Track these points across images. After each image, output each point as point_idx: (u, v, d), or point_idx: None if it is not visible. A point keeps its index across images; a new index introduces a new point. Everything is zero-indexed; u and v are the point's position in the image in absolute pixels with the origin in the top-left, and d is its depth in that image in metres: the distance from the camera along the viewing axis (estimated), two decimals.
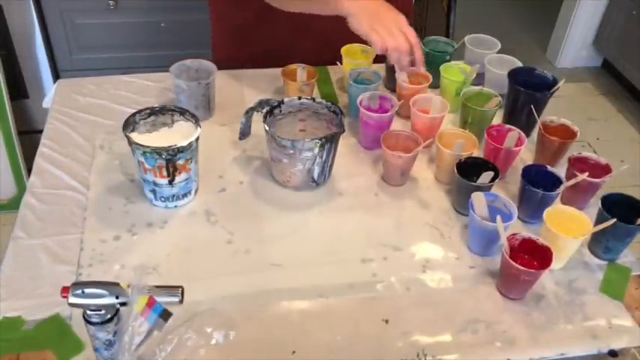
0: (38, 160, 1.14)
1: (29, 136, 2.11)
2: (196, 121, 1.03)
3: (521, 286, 0.93)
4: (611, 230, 0.97)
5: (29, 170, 1.60)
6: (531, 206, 1.05)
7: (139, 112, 1.04)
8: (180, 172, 1.01)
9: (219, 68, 1.26)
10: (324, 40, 1.22)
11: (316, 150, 1.04)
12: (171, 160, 0.98)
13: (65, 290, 0.71)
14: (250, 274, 0.96)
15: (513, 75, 1.25)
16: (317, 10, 1.15)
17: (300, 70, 1.28)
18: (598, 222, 0.98)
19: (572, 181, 1.03)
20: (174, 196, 1.04)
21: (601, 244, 1.01)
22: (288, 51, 1.34)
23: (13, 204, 2.12)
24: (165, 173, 1.00)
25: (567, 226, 0.97)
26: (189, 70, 1.25)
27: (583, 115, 3.01)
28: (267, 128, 1.05)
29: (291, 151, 1.04)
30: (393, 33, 1.07)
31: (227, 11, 1.38)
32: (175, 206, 1.06)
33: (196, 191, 1.08)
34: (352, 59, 1.34)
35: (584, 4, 3.18)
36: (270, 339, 0.87)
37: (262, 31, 1.34)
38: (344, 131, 1.06)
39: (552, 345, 0.89)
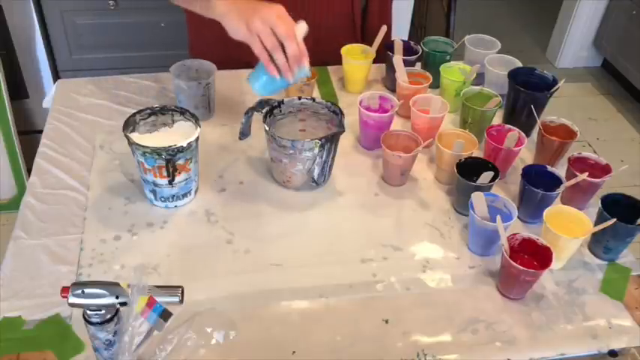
0: (38, 160, 1.14)
1: (29, 136, 2.11)
2: (196, 121, 1.04)
3: (521, 286, 0.93)
4: (611, 230, 0.97)
5: (29, 170, 1.60)
6: (531, 206, 1.05)
7: (139, 112, 1.04)
8: (180, 172, 1.01)
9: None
10: (314, 41, 1.20)
11: (316, 150, 1.04)
12: (171, 160, 0.98)
13: (65, 290, 0.71)
14: (250, 274, 0.96)
15: (513, 75, 1.25)
16: (198, 9, 1.05)
17: None
18: (598, 222, 0.98)
19: (572, 181, 1.03)
20: (174, 196, 1.04)
21: (601, 244, 1.01)
22: None
23: (13, 204, 2.12)
24: (165, 173, 1.00)
25: (567, 226, 0.97)
26: (189, 70, 1.25)
27: (583, 115, 3.01)
28: (267, 128, 1.05)
29: (291, 151, 1.04)
30: (271, 25, 0.95)
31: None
32: (175, 206, 1.06)
33: (196, 191, 1.08)
34: (352, 59, 1.34)
35: (584, 4, 3.18)
36: (270, 339, 0.87)
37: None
38: (344, 131, 1.06)
39: (552, 345, 0.89)
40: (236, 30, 0.98)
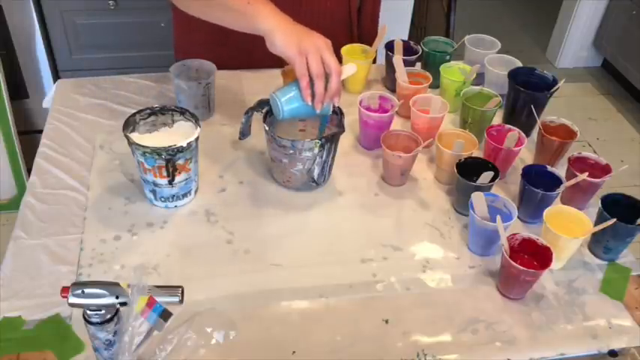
0: (38, 160, 1.14)
1: (29, 136, 2.11)
2: (196, 121, 1.04)
3: (521, 286, 0.93)
4: (611, 230, 0.97)
5: (29, 170, 1.60)
6: (531, 206, 1.05)
7: (139, 112, 1.04)
8: (180, 172, 1.01)
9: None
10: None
11: (316, 150, 1.04)
12: (171, 160, 0.98)
13: (65, 290, 0.71)
14: (250, 274, 0.96)
15: (513, 75, 1.25)
16: (231, 23, 1.06)
17: None
18: (598, 222, 0.98)
19: (572, 181, 1.03)
20: (174, 196, 1.04)
21: (601, 244, 1.01)
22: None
23: (13, 204, 2.12)
24: (165, 173, 1.00)
25: (567, 226, 0.97)
26: (189, 70, 1.25)
27: (583, 115, 3.01)
28: (267, 128, 1.05)
29: (291, 151, 1.04)
30: (322, 54, 0.98)
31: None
32: (175, 206, 1.06)
33: (196, 191, 1.08)
34: (352, 59, 1.34)
35: (584, 4, 3.18)
36: (270, 339, 0.87)
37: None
38: (344, 131, 1.06)
39: (552, 345, 0.89)
40: (284, 45, 0.97)
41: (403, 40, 1.35)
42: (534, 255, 0.94)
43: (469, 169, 1.05)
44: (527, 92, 1.21)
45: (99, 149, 1.17)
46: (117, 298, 0.72)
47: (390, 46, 1.35)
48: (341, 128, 1.06)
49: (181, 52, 1.39)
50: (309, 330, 0.88)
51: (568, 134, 1.16)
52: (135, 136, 1.00)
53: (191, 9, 1.11)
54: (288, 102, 1.01)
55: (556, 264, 0.99)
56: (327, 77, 0.99)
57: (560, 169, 1.08)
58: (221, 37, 1.26)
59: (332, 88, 0.99)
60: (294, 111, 1.02)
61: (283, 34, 0.98)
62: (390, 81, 1.39)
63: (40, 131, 1.22)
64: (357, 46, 1.37)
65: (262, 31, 0.99)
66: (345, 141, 1.21)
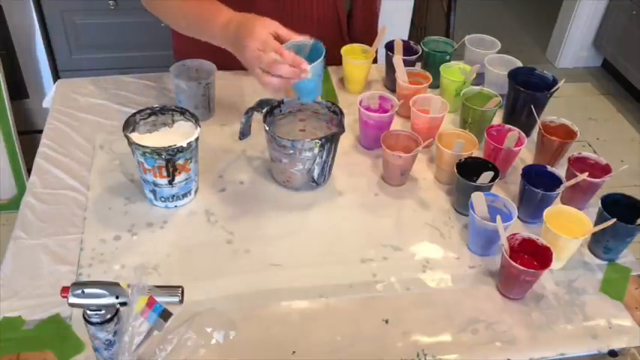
0: (38, 160, 1.14)
1: (29, 136, 2.11)
2: (196, 121, 1.04)
3: (521, 286, 0.93)
4: (611, 230, 0.97)
5: (29, 170, 1.60)
6: (531, 206, 1.05)
7: (139, 112, 1.04)
8: (180, 172, 1.01)
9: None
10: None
11: (316, 150, 1.04)
12: (171, 160, 0.98)
13: (65, 290, 0.71)
14: (250, 274, 0.96)
15: (513, 75, 1.25)
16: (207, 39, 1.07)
17: None
18: (598, 222, 0.98)
19: (572, 181, 1.03)
20: (174, 196, 1.04)
21: (601, 244, 1.01)
22: None
23: (13, 204, 2.12)
24: (165, 173, 1.00)
25: (567, 226, 0.97)
26: (189, 70, 1.25)
27: (583, 115, 3.01)
28: (267, 128, 1.05)
29: (291, 151, 1.04)
30: (264, 67, 0.94)
31: None
32: (175, 206, 1.06)
33: (196, 191, 1.08)
34: (352, 59, 1.34)
35: (584, 4, 3.18)
36: (270, 339, 0.87)
37: None
38: (344, 131, 1.06)
39: (552, 345, 0.89)
40: (246, 64, 0.98)
41: (403, 40, 1.35)
42: (534, 255, 0.94)
43: (469, 169, 1.05)
44: (527, 92, 1.21)
45: (99, 149, 1.17)
46: (117, 298, 0.72)
47: (390, 46, 1.35)
48: (341, 128, 1.06)
49: (180, 53, 1.38)
50: (309, 330, 0.88)
51: (568, 134, 1.16)
52: (135, 136, 1.00)
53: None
54: (297, 92, 1.03)
55: (556, 264, 0.99)
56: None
57: (560, 169, 1.08)
58: None
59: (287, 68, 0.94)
60: (306, 91, 1.02)
61: (235, 55, 0.99)
62: (390, 81, 1.39)
63: (40, 131, 1.22)
64: (356, 46, 1.37)
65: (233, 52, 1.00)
66: (345, 141, 1.21)
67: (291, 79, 0.95)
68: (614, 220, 0.95)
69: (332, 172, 1.13)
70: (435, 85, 1.33)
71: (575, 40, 3.32)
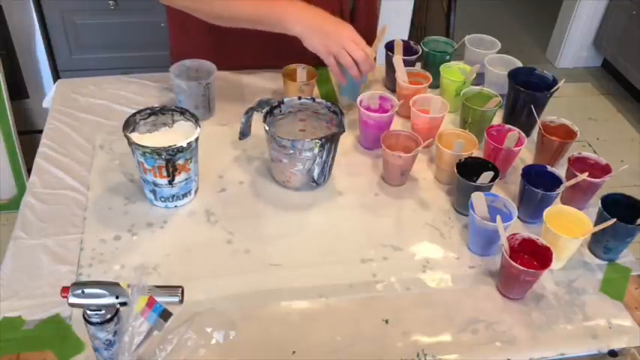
0: (38, 160, 1.14)
1: (29, 136, 2.11)
2: (196, 121, 1.04)
3: (521, 286, 0.93)
4: (611, 230, 0.97)
5: (29, 170, 1.60)
6: (531, 206, 1.05)
7: (139, 112, 1.04)
8: (179, 172, 1.01)
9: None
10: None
11: (316, 150, 1.04)
12: (171, 160, 0.98)
13: (65, 290, 0.71)
14: (250, 274, 0.96)
15: (513, 75, 1.25)
16: (263, 28, 1.16)
17: (300, 70, 1.28)
18: (598, 222, 0.98)
19: (572, 181, 1.03)
20: (174, 196, 1.04)
21: (601, 244, 1.01)
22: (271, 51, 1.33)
23: (13, 204, 2.12)
24: (165, 173, 1.00)
25: (567, 226, 0.97)
26: (189, 70, 1.25)
27: (583, 115, 3.01)
28: (267, 128, 1.05)
29: (291, 151, 1.04)
30: (346, 48, 1.13)
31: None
32: (175, 206, 1.06)
33: (196, 191, 1.08)
34: None
35: (584, 4, 3.18)
36: (270, 339, 0.87)
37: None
38: (344, 131, 1.06)
39: (552, 345, 0.89)
40: (314, 48, 1.14)
41: (403, 40, 1.35)
42: (534, 255, 0.94)
43: (469, 169, 1.05)
44: (527, 92, 1.21)
45: (99, 149, 1.17)
46: (117, 298, 0.72)
47: (390, 46, 1.35)
48: (341, 128, 1.06)
49: (177, 53, 1.38)
50: (309, 330, 0.88)
51: (568, 134, 1.16)
52: (135, 136, 1.00)
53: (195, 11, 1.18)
54: (343, 91, 1.27)
55: (556, 264, 0.99)
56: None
57: (560, 169, 1.08)
58: (218, 37, 1.27)
59: (364, 70, 1.17)
60: (348, 92, 1.27)
61: (310, 39, 1.13)
62: (390, 81, 1.39)
63: (40, 131, 1.22)
64: None
65: (295, 33, 1.13)
66: (345, 141, 1.21)
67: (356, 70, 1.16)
68: (614, 220, 0.95)
69: (332, 172, 1.13)
70: (435, 85, 1.33)
71: (575, 40, 3.32)
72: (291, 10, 1.13)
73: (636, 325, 0.92)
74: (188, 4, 1.17)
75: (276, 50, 1.26)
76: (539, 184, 1.02)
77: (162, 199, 1.04)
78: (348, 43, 1.14)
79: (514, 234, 0.94)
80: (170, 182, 1.01)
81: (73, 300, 0.71)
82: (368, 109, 1.20)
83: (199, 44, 1.34)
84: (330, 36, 1.13)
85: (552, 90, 1.22)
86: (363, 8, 1.40)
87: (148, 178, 1.01)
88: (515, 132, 1.13)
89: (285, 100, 1.12)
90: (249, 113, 1.13)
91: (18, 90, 2.11)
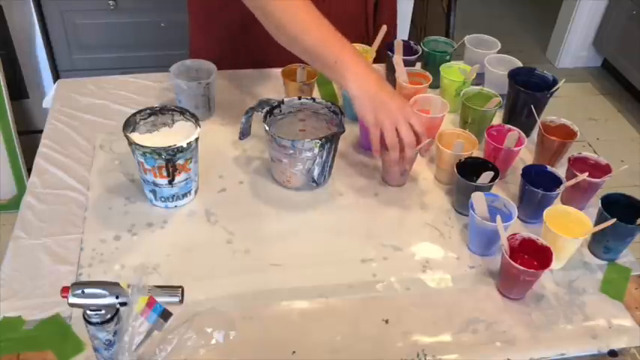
0: (38, 160, 1.14)
1: (29, 136, 2.11)
2: (196, 121, 1.04)
3: (521, 286, 0.93)
4: (611, 230, 0.97)
5: (29, 170, 1.60)
6: (531, 206, 1.05)
7: (139, 112, 1.04)
8: (180, 172, 1.01)
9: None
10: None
11: (316, 150, 1.04)
12: (171, 160, 0.98)
13: (65, 290, 0.71)
14: (250, 274, 0.96)
15: (513, 75, 1.25)
16: (317, 69, 1.13)
17: (300, 70, 1.28)
18: (598, 222, 0.98)
19: (572, 181, 1.03)
20: (174, 196, 1.04)
21: (601, 244, 1.01)
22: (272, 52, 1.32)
23: (13, 204, 2.12)
24: (165, 173, 1.00)
25: (567, 226, 0.97)
26: (189, 70, 1.25)
27: (583, 115, 3.01)
28: (267, 128, 1.05)
29: (291, 151, 1.04)
30: (398, 126, 1.02)
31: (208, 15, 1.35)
32: (175, 206, 1.06)
33: (196, 191, 1.08)
34: None
35: (584, 4, 3.18)
36: (270, 339, 0.87)
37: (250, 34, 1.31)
38: (344, 131, 1.06)
39: (552, 345, 0.89)
40: (361, 115, 1.04)
41: (403, 40, 1.35)
42: (534, 255, 0.94)
43: (469, 169, 1.05)
44: (527, 92, 1.21)
45: (99, 149, 1.17)
46: (117, 298, 0.72)
47: (390, 46, 1.35)
48: (341, 128, 1.06)
49: (197, 54, 1.39)
50: (309, 330, 0.88)
51: (568, 134, 1.16)
52: (135, 136, 1.00)
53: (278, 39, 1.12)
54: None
55: (556, 264, 0.99)
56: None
57: (560, 169, 1.08)
58: (237, 34, 1.26)
59: (405, 157, 1.05)
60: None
61: (361, 104, 1.03)
62: (390, 81, 1.39)
63: (40, 131, 1.22)
64: (356, 47, 1.37)
65: (347, 91, 1.04)
66: (345, 141, 1.21)
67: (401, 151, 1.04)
68: (614, 220, 0.95)
69: (332, 172, 1.13)
70: (435, 85, 1.33)
71: (575, 40, 3.32)
72: (351, 63, 1.03)
73: (636, 325, 0.92)
74: (260, 13, 1.08)
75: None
76: (539, 184, 1.02)
77: (163, 199, 1.04)
78: (402, 123, 1.02)
79: (514, 234, 0.94)
80: (170, 182, 1.01)
81: (73, 300, 0.71)
82: None
83: (218, 45, 1.34)
84: (384, 107, 1.02)
85: (552, 90, 1.22)
86: (386, 8, 1.40)
87: (148, 178, 1.01)
88: (515, 132, 1.13)
89: (285, 100, 1.12)
90: (249, 113, 1.13)
91: (18, 90, 2.11)
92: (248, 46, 1.34)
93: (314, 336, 0.87)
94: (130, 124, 1.02)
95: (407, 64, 1.30)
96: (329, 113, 1.12)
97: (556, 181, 1.05)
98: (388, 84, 1.06)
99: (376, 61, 1.36)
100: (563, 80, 1.22)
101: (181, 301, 0.75)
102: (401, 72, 1.27)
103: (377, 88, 1.03)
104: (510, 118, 1.26)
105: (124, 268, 0.95)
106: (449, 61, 1.37)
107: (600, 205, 0.99)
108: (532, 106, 1.18)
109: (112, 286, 0.72)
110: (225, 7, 1.31)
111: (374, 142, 1.04)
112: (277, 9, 1.04)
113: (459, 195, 1.07)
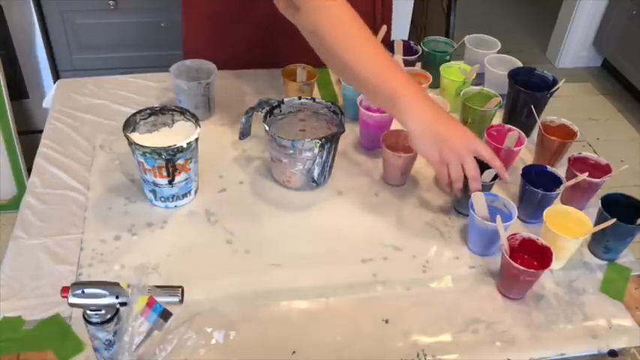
0: (38, 160, 1.14)
1: (29, 136, 2.11)
2: (196, 121, 1.04)
3: (521, 286, 0.93)
4: (611, 230, 0.97)
5: (29, 170, 1.60)
6: (531, 206, 1.05)
7: (140, 112, 1.04)
8: (180, 172, 1.01)
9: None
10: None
11: (316, 150, 1.04)
12: (171, 160, 0.98)
13: (65, 290, 0.71)
14: (250, 274, 0.96)
15: (513, 75, 1.25)
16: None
17: (300, 70, 1.28)
18: (598, 222, 0.98)
19: (572, 181, 1.03)
20: (174, 196, 1.04)
21: (601, 244, 1.01)
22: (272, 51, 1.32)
23: (13, 204, 2.12)
24: (165, 173, 1.00)
25: (567, 226, 0.97)
26: (189, 70, 1.25)
27: (583, 115, 3.01)
28: (267, 128, 1.05)
29: (291, 151, 1.04)
30: (463, 162, 0.98)
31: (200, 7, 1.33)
32: (175, 206, 1.06)
33: (196, 191, 1.08)
34: None
35: (584, 4, 3.18)
36: (270, 339, 0.87)
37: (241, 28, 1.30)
38: (344, 131, 1.06)
39: (552, 345, 0.89)
40: (425, 153, 1.00)
41: (403, 40, 1.35)
42: (534, 255, 0.94)
43: None
44: (527, 92, 1.21)
45: (99, 149, 1.17)
46: (117, 298, 0.72)
47: (390, 46, 1.35)
48: (341, 128, 1.06)
49: (190, 53, 1.39)
50: (309, 330, 0.88)
51: (568, 134, 1.16)
52: (135, 136, 1.00)
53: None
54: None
55: (556, 264, 0.99)
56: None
57: (560, 169, 1.08)
58: (228, 35, 1.26)
59: (471, 188, 1.00)
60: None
61: (424, 141, 0.99)
62: None
63: (40, 131, 1.22)
64: None
65: (406, 128, 1.00)
66: (345, 141, 1.21)
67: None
68: (614, 220, 0.95)
69: (332, 172, 1.13)
70: (435, 85, 1.33)
71: (575, 40, 3.32)
72: (408, 98, 0.97)
73: (636, 325, 0.92)
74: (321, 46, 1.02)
75: (289, 49, 1.24)
76: (539, 184, 1.02)
77: (163, 199, 1.04)
78: (468, 160, 0.98)
79: (514, 234, 0.94)
80: (170, 182, 1.01)
81: (73, 300, 0.71)
82: (368, 109, 1.20)
83: (213, 40, 1.33)
84: (448, 144, 0.97)
85: (552, 90, 1.22)
86: (386, 6, 1.40)
87: (148, 178, 1.01)
88: (515, 132, 1.13)
89: (285, 100, 1.12)
90: (249, 113, 1.13)
91: (18, 90, 2.11)
92: (244, 47, 1.34)
93: (314, 336, 0.87)
94: (130, 124, 1.02)
95: (407, 64, 1.30)
96: (329, 113, 1.12)
97: (556, 181, 1.05)
98: (447, 114, 1.01)
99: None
100: (563, 80, 1.23)
101: (181, 301, 0.75)
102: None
103: (437, 121, 0.98)
104: (510, 118, 1.26)
105: (124, 268, 0.95)
106: (449, 61, 1.37)
107: (600, 205, 0.99)
108: (532, 106, 1.18)
109: (112, 286, 0.72)
110: (223, 8, 1.32)
111: (442, 179, 1.02)
112: (329, 35, 0.99)
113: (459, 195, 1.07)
